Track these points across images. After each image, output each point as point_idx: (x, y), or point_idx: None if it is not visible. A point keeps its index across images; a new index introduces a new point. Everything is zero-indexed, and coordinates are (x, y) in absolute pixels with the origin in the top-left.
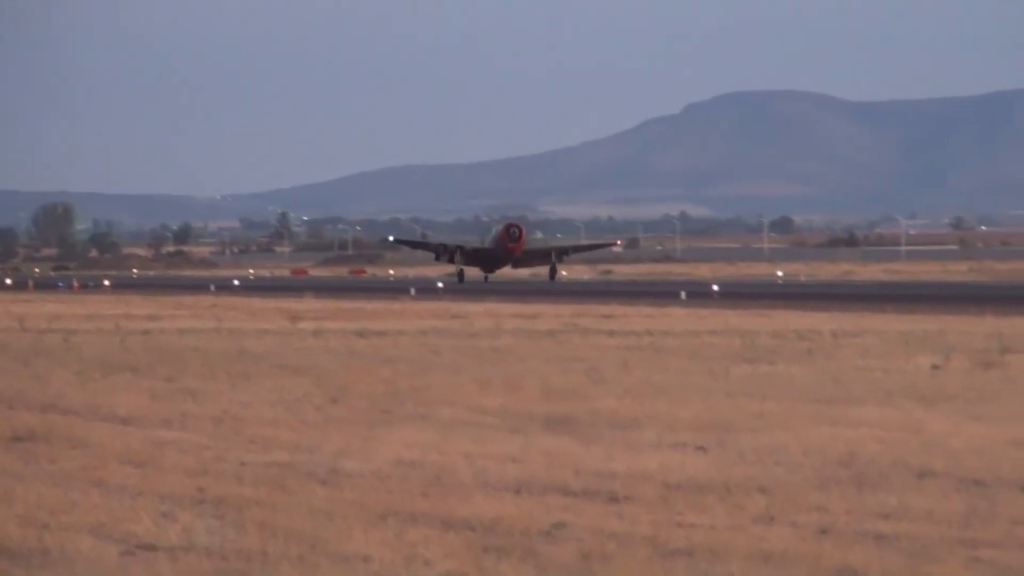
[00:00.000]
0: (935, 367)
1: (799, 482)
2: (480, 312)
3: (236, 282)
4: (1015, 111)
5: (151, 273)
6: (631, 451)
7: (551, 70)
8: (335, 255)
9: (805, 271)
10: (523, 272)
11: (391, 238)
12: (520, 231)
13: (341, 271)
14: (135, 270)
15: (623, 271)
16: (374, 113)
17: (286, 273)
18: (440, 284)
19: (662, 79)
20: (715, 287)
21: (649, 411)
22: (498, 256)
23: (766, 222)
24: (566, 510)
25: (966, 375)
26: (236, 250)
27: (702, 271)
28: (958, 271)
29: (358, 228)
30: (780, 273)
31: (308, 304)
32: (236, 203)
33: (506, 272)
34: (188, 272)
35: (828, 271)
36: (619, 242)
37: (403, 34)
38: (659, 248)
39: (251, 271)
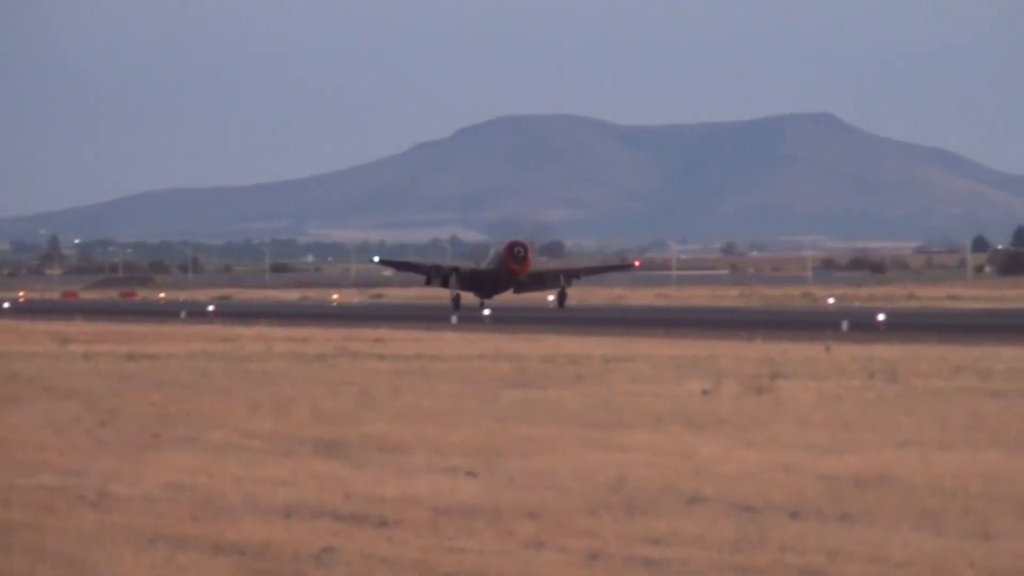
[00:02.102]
0: (706, 392)
1: (569, 507)
2: (251, 335)
3: (6, 304)
4: (783, 137)
5: None
6: (401, 475)
7: (320, 93)
8: (105, 278)
9: (577, 295)
10: (523, 297)
11: (376, 259)
12: (525, 250)
13: (112, 294)
14: None
15: (394, 294)
16: (143, 135)
17: (56, 296)
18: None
19: (432, 103)
20: (486, 311)
21: (419, 435)
22: (500, 279)
23: (537, 246)
24: (336, 534)
25: (736, 400)
26: (6, 272)
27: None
28: (729, 296)
29: (129, 251)
30: (550, 297)
31: (78, 327)
32: (6, 226)
33: (506, 298)
34: None
35: (599, 295)
36: (637, 263)
37: (169, 55)
38: None
39: (21, 294)
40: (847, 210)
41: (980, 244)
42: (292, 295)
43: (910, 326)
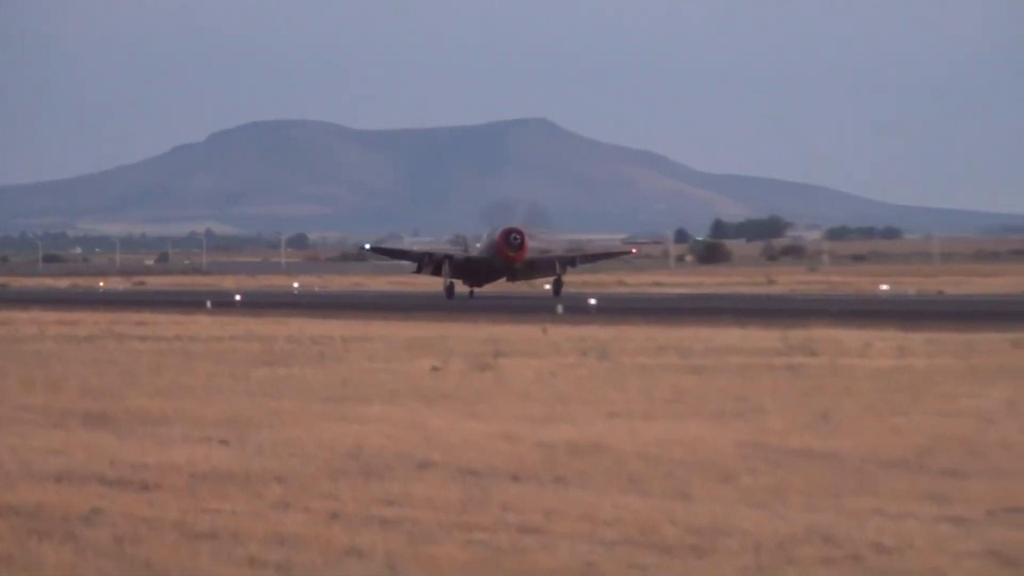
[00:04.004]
0: (435, 369)
1: (312, 472)
2: (25, 319)
3: None
4: (506, 140)
5: None
6: (161, 445)
7: (87, 98)
8: None
9: (319, 283)
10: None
11: (367, 246)
12: (522, 237)
13: None
14: None
15: (155, 283)
16: None
17: None
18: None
19: (189, 109)
20: (238, 297)
21: (178, 409)
22: (495, 267)
23: (284, 239)
24: (102, 497)
25: (463, 376)
26: None
27: (226, 283)
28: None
29: None
30: (296, 284)
31: None
32: None
33: (500, 286)
34: None
35: (340, 283)
36: (634, 250)
37: None
38: (187, 262)
39: None
40: (563, 205)
41: (681, 236)
42: (63, 283)
43: (619, 310)
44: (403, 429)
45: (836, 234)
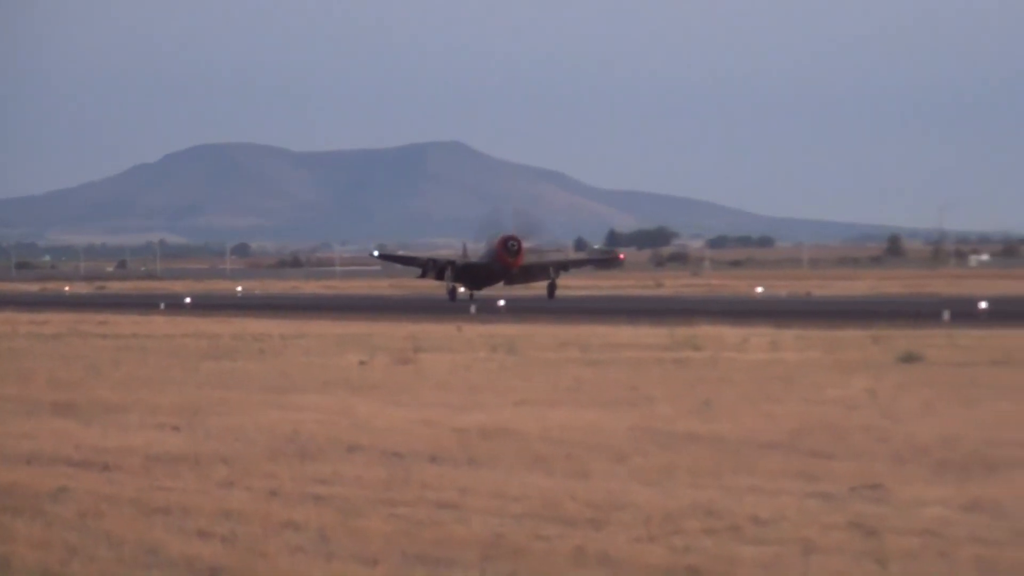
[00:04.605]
0: (362, 363)
1: (254, 455)
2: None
3: None
4: (425, 160)
5: None
6: (121, 430)
7: (54, 119)
8: None
9: (260, 287)
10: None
11: (375, 253)
12: (519, 244)
13: None
14: None
15: (115, 287)
16: None
17: None
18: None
19: (146, 133)
20: (188, 299)
21: (135, 399)
22: (494, 272)
23: (229, 248)
24: (68, 477)
25: (387, 369)
26: None
27: (178, 287)
28: (381, 286)
29: None
30: (239, 288)
31: None
32: None
33: (497, 290)
34: None
35: (279, 287)
36: (622, 256)
37: None
38: (144, 269)
39: None
40: (474, 219)
41: (580, 245)
42: (33, 287)
43: (526, 309)
44: (334, 416)
45: (716, 243)
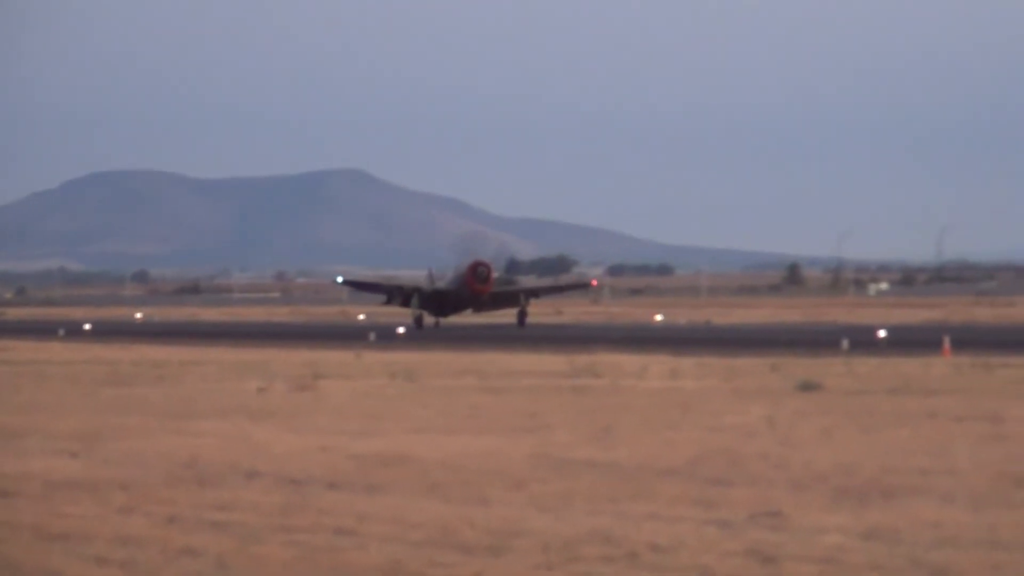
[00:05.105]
0: (261, 389)
1: (152, 480)
2: None
3: None
4: (325, 187)
5: None
6: (19, 456)
7: None
8: None
9: (159, 313)
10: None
11: (340, 279)
12: (488, 270)
13: None
14: None
15: (14, 313)
16: None
17: None
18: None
19: (43, 160)
20: (87, 326)
21: (34, 424)
22: (462, 299)
23: (128, 274)
24: None
25: (285, 396)
26: None
27: (77, 314)
28: (280, 313)
29: None
30: (139, 315)
31: None
32: None
33: (465, 318)
34: None
35: (178, 313)
36: (594, 282)
37: None
38: (43, 295)
39: None
40: (376, 245)
41: None
42: None
43: (425, 338)
44: (233, 442)
45: (616, 270)
